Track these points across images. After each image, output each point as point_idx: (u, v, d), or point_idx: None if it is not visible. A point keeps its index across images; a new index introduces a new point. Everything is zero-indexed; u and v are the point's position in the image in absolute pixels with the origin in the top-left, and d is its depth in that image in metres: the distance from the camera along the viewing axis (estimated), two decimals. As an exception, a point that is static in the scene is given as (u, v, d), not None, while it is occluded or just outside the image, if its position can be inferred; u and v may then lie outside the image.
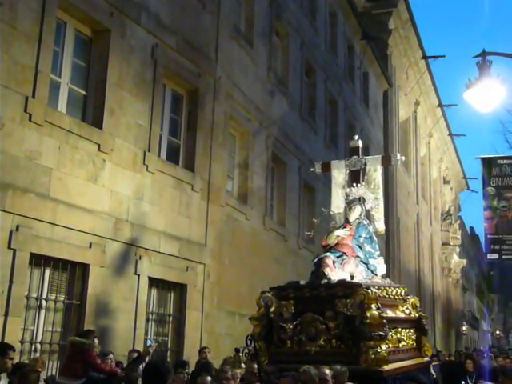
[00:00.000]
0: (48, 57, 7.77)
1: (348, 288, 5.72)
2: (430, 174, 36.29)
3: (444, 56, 29.15)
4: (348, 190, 7.00)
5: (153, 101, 9.80)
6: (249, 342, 5.69)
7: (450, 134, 38.77)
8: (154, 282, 9.68)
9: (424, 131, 34.49)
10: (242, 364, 7.09)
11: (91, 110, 8.77)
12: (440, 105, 35.07)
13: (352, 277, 6.11)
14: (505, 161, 12.63)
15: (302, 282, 6.05)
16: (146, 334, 9.52)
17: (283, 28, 15.97)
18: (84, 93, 8.82)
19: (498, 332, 56.05)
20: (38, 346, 7.58)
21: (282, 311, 5.89)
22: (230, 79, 12.42)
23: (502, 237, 12.30)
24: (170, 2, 10.46)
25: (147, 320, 9.57)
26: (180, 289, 10.39)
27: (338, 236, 6.59)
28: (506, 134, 18.71)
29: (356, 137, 7.48)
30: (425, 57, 29.97)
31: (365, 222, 6.78)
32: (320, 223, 7.27)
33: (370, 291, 5.58)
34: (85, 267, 8.18)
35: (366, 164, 7.08)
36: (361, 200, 6.87)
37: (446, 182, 41.53)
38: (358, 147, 7.28)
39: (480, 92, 8.08)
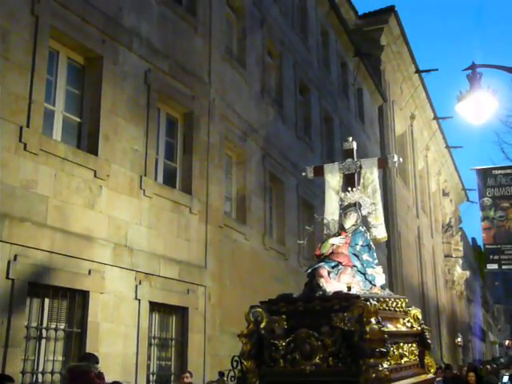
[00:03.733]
0: (41, 86, 7.83)
1: (345, 300, 5.22)
2: (428, 187, 36.33)
3: (436, 70, 29.40)
4: (343, 195, 6.48)
5: (147, 125, 9.84)
6: (235, 363, 5.31)
7: (447, 147, 38.89)
8: (155, 307, 9.64)
9: (421, 144, 34.60)
10: None
11: (86, 137, 8.81)
12: (435, 117, 35.24)
13: (349, 288, 5.59)
14: (499, 171, 12.64)
15: (295, 295, 5.57)
16: (149, 359, 9.46)
17: (275, 48, 16.12)
18: (78, 120, 8.87)
19: (507, 342, 55.55)
20: (40, 376, 7.52)
21: (274, 327, 5.36)
22: (224, 101, 12.50)
23: (500, 247, 12.25)
24: (161, 27, 10.57)
25: (149, 345, 9.50)
26: (181, 312, 10.34)
27: (333, 244, 6.09)
28: (501, 144, 18.88)
29: (350, 138, 6.97)
30: (418, 71, 30.21)
31: (361, 229, 6.29)
32: (313, 231, 6.90)
33: (369, 303, 5.08)
34: (84, 294, 8.14)
35: (361, 167, 6.55)
36: (357, 205, 6.37)
37: (445, 194, 41.55)
38: (353, 149, 6.77)
39: (472, 104, 8.13)
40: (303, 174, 7.03)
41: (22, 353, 7.19)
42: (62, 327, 7.92)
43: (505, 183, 12.36)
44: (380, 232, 6.53)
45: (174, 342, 10.22)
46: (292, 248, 15.13)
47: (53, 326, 7.78)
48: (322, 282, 5.63)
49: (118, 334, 8.62)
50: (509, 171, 12.63)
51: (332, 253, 6.09)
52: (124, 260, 8.88)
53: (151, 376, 9.58)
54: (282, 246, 14.69)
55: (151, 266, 9.44)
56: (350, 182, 6.57)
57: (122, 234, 8.97)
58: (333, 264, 5.98)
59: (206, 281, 10.89)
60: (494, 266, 12.41)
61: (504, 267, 12.66)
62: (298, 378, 5.13)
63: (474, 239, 54.34)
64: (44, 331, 7.66)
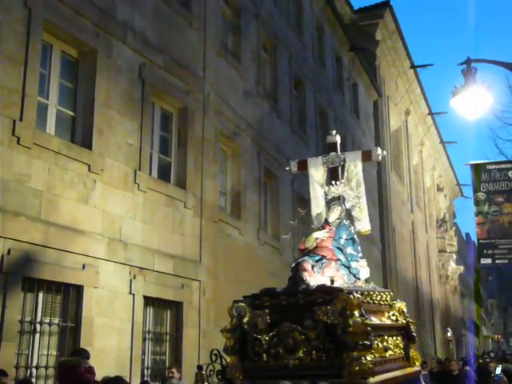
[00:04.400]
0: (34, 79, 7.78)
1: (328, 294, 5.16)
2: (423, 182, 36.40)
3: (431, 65, 29.43)
4: (327, 188, 6.46)
5: (142, 119, 9.81)
6: (214, 357, 5.24)
7: (442, 142, 38.98)
8: (149, 301, 9.62)
9: (416, 140, 34.65)
10: (206, 383, 6.29)
11: (80, 131, 8.77)
12: (430, 113, 35.28)
13: (332, 281, 5.54)
14: (494, 166, 12.65)
15: (279, 289, 5.50)
16: (143, 353, 9.46)
17: (271, 43, 16.08)
18: (72, 114, 8.82)
19: (496, 336, 55.85)
20: (34, 370, 7.51)
21: (257, 321, 5.28)
22: (219, 95, 12.46)
23: (494, 241, 12.26)
24: (155, 21, 10.52)
25: (144, 339, 9.50)
26: (176, 307, 10.33)
27: (317, 238, 6.05)
28: (495, 139, 18.87)
29: (333, 132, 6.91)
30: (413, 66, 30.20)
31: (345, 223, 6.25)
32: (298, 225, 6.84)
33: (352, 296, 5.03)
34: (79, 289, 8.12)
35: (345, 160, 6.50)
36: (341, 199, 6.34)
37: (439, 189, 41.64)
38: (336, 142, 6.72)
39: (466, 99, 8.13)
40: (287, 168, 7.00)
41: (15, 347, 7.17)
42: (56, 322, 7.90)
43: (499, 178, 12.37)
44: (364, 225, 6.47)
45: (168, 336, 10.21)
46: (287, 243, 15.10)
47: (47, 320, 7.76)
48: (306, 276, 5.58)
49: (112, 329, 8.60)
50: (503, 166, 12.65)
51: (316, 247, 6.06)
52: (118, 254, 8.86)
53: (145, 370, 9.58)
54: (276, 240, 14.69)
55: (146, 261, 9.43)
56: (334, 175, 6.54)
57: (117, 228, 8.95)
58: (317, 258, 5.96)
59: (200, 275, 10.88)
60: (488, 261, 12.43)
61: (498, 262, 12.69)
62: (281, 372, 5.07)
63: (467, 234, 54.53)
64: (38, 325, 7.64)
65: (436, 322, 34.13)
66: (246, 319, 5.40)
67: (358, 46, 23.63)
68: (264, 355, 5.25)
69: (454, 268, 40.38)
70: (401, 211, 28.81)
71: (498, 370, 8.17)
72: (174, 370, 8.64)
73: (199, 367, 7.67)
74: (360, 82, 25.07)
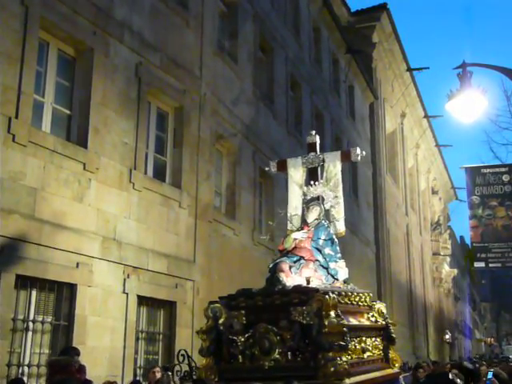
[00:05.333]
0: (31, 77, 7.76)
1: (304, 294, 5.08)
2: (418, 185, 36.49)
3: (427, 68, 29.59)
4: (305, 188, 6.42)
5: (138, 119, 9.80)
6: (181, 358, 5.16)
7: (437, 145, 39.09)
8: (142, 300, 9.61)
9: (411, 142, 34.73)
10: None
11: (76, 130, 8.75)
12: (426, 116, 35.37)
13: (308, 281, 5.50)
14: (488, 170, 12.73)
15: (255, 290, 5.44)
16: (136, 353, 9.44)
17: (267, 43, 16.09)
18: (68, 112, 8.81)
19: (489, 339, 56.07)
20: (26, 368, 7.48)
21: (233, 322, 5.23)
22: (216, 95, 12.47)
23: (487, 245, 12.34)
24: (152, 20, 10.51)
25: (137, 339, 9.48)
26: (169, 306, 10.32)
27: (296, 239, 6.00)
28: (490, 143, 18.97)
29: (313, 132, 6.89)
30: (409, 69, 30.28)
31: (324, 223, 6.20)
32: (277, 226, 6.80)
33: (328, 297, 4.96)
34: (72, 287, 8.10)
35: (324, 161, 6.50)
36: (320, 199, 6.31)
37: (434, 192, 41.76)
38: (315, 143, 6.72)
39: (462, 103, 8.16)
40: (266, 168, 6.99)
41: (8, 345, 7.15)
42: (49, 320, 7.88)
43: (493, 182, 12.44)
44: (339, 227, 6.42)
45: (161, 336, 10.20)
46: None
47: (39, 318, 7.74)
48: (282, 277, 5.54)
49: (105, 328, 8.59)
50: (497, 170, 12.72)
51: (295, 247, 6.03)
52: (112, 253, 8.85)
53: (138, 370, 9.56)
54: (270, 241, 14.67)
55: (140, 260, 9.42)
56: (313, 176, 6.51)
57: (111, 227, 8.93)
58: (295, 258, 5.91)
59: (194, 275, 10.87)
60: (481, 264, 12.49)
61: (491, 265, 12.76)
62: (256, 373, 5.00)
63: (462, 237, 54.68)
64: (31, 324, 7.62)
65: (429, 325, 34.20)
66: (221, 320, 5.34)
67: (354, 48, 23.68)
68: (239, 357, 5.20)
69: (447, 271, 40.50)
70: (395, 214, 28.87)
71: (490, 374, 8.20)
72: (158, 369, 8.26)
73: (165, 368, 7.36)
74: (356, 84, 25.11)
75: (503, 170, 12.72)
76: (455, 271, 42.04)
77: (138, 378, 9.06)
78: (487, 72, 9.02)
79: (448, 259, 40.17)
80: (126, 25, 9.73)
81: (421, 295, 32.87)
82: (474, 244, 12.51)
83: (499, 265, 12.76)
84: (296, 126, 17.57)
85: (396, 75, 30.32)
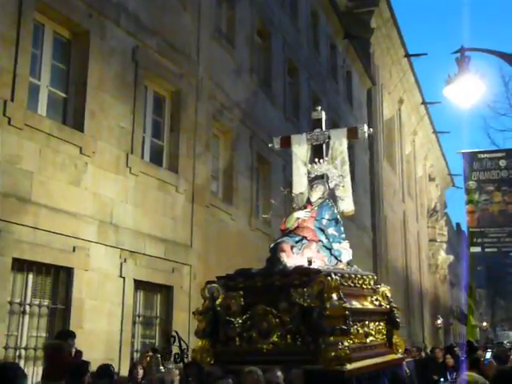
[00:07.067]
0: (26, 60, 7.70)
1: (305, 275, 4.89)
2: (415, 172, 36.48)
3: (426, 54, 29.42)
4: (310, 166, 6.22)
5: (134, 103, 9.75)
6: (172, 339, 5.07)
7: (434, 132, 39.02)
8: (139, 285, 9.63)
9: (408, 129, 34.67)
10: (161, 367, 6.03)
11: (72, 113, 8.70)
12: (423, 102, 35.26)
13: (310, 262, 5.26)
14: (485, 155, 12.75)
15: (254, 270, 5.27)
16: (133, 336, 9.47)
17: (265, 28, 15.98)
18: (64, 95, 8.75)
19: (484, 324, 56.44)
20: (23, 351, 7.51)
21: (230, 303, 5.04)
22: (213, 80, 12.40)
23: (484, 230, 12.38)
24: (149, 3, 10.42)
25: (134, 323, 9.51)
26: (166, 290, 10.34)
27: (298, 218, 5.84)
28: (487, 129, 19.10)
29: (319, 108, 6.68)
30: (407, 55, 30.13)
31: (328, 202, 6.01)
32: (279, 204, 6.63)
33: (330, 279, 4.77)
34: (69, 271, 8.11)
35: (329, 137, 6.30)
36: (324, 178, 6.12)
37: (431, 179, 41.76)
38: (321, 119, 6.53)
39: (459, 88, 8.12)
40: (270, 145, 6.79)
41: (4, 328, 7.16)
42: (46, 303, 7.90)
43: (490, 167, 12.47)
44: (348, 205, 6.26)
45: (158, 320, 10.24)
46: (278, 229, 15.10)
47: (36, 302, 7.76)
48: (283, 257, 5.37)
49: (102, 312, 8.61)
50: (494, 155, 12.75)
51: (297, 227, 5.86)
52: (109, 237, 8.84)
53: (135, 353, 9.60)
54: (268, 226, 14.69)
55: (136, 244, 9.42)
56: (317, 153, 6.31)
57: (108, 211, 8.92)
58: (297, 238, 5.73)
59: (191, 260, 10.89)
60: (478, 249, 12.54)
61: (487, 250, 12.81)
62: (254, 357, 4.83)
63: (458, 224, 54.77)
64: (27, 307, 7.63)
65: (425, 311, 34.38)
66: (218, 301, 5.16)
67: (352, 33, 23.54)
68: (236, 339, 5.03)
69: (443, 257, 40.61)
70: (392, 200, 28.89)
71: (488, 355, 8.26)
72: (151, 353, 8.37)
73: (154, 350, 6.93)
74: (354, 70, 25.00)
75: (500, 155, 12.75)
76: (451, 258, 42.16)
77: (135, 362, 9.07)
78: (486, 58, 8.99)
79: (444, 246, 40.28)
80: (122, 7, 9.64)
81: (417, 281, 33.00)
82: (471, 229, 12.55)
83: (495, 249, 12.83)
84: (293, 110, 17.51)
85: (394, 61, 30.19)
